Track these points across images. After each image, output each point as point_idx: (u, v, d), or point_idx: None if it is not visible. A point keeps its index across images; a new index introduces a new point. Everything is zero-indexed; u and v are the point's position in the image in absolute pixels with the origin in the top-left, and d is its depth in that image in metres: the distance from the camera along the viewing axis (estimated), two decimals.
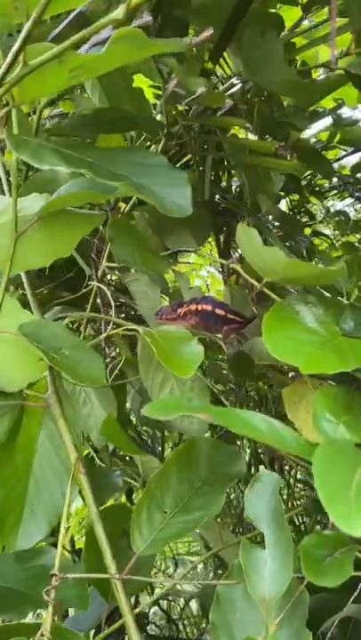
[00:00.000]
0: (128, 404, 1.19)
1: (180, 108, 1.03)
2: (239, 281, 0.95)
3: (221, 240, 1.27)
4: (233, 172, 1.21)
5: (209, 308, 0.78)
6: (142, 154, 0.55)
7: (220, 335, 0.79)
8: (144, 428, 1.53)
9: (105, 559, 0.61)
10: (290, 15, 1.00)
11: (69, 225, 0.67)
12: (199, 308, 0.78)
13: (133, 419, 1.35)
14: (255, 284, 0.74)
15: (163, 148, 0.98)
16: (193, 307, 0.79)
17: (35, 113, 0.98)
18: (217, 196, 1.24)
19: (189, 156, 1.21)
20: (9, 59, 0.45)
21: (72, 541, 1.38)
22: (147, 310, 1.02)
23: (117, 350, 1.03)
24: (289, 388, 0.66)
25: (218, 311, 0.78)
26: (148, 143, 1.08)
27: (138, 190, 0.49)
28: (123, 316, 1.63)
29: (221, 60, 1.08)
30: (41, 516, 0.75)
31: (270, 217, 1.03)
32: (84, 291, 1.21)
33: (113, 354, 0.94)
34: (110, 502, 1.00)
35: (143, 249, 0.79)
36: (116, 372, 0.86)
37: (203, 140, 0.99)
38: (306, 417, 0.64)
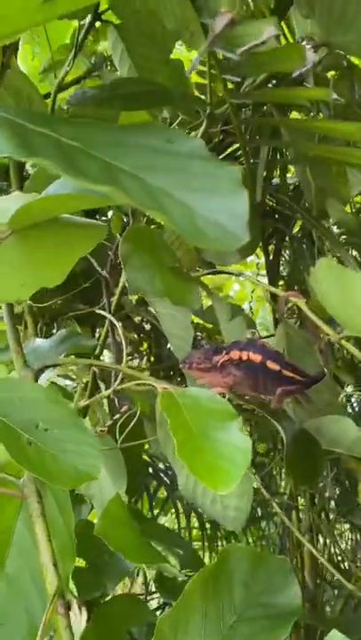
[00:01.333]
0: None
1: (230, 84, 0.80)
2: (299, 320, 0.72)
3: (270, 249, 1.03)
4: (289, 166, 0.97)
5: (258, 358, 0.55)
6: (167, 135, 0.33)
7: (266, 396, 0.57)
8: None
9: None
10: None
11: (60, 241, 0.46)
12: (244, 358, 0.56)
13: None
14: (328, 332, 0.51)
15: (203, 134, 0.76)
16: (235, 354, 0.56)
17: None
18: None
19: (235, 145, 0.98)
20: None
21: None
22: (175, 340, 0.80)
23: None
24: None
25: (270, 365, 0.55)
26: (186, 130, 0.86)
27: (149, 198, 0.27)
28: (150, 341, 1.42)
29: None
30: (11, 631, 0.55)
31: (335, 227, 0.80)
32: (101, 304, 1.00)
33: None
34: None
35: (167, 271, 0.56)
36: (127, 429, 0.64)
37: (256, 125, 0.76)
38: None
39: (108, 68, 1.12)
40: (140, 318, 1.36)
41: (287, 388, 0.54)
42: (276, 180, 1.05)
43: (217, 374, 0.56)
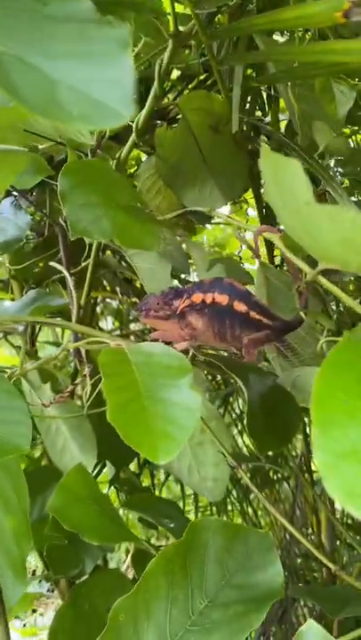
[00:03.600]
0: None
1: None
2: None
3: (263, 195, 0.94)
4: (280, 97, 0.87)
5: (225, 300, 0.47)
6: None
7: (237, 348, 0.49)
8: None
9: None
10: None
11: None
12: (208, 301, 0.47)
13: None
14: (304, 268, 0.42)
15: (170, 58, 0.66)
16: (197, 298, 0.48)
17: None
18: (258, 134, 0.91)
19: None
20: None
21: None
22: None
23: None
24: None
25: (237, 306, 0.46)
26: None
27: None
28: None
29: None
30: None
31: (332, 157, 0.70)
32: (83, 265, 0.92)
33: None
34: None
35: (119, 211, 0.48)
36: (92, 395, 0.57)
37: (230, 42, 0.66)
38: None
39: None
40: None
41: (254, 336, 0.46)
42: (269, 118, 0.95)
43: (176, 323, 0.48)
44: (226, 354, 0.53)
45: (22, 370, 0.48)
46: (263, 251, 0.87)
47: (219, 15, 0.69)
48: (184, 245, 0.82)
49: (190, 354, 0.48)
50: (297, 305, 0.45)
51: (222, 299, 0.47)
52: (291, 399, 0.42)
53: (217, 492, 0.52)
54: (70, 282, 0.51)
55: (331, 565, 0.44)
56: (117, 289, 1.46)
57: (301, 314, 0.46)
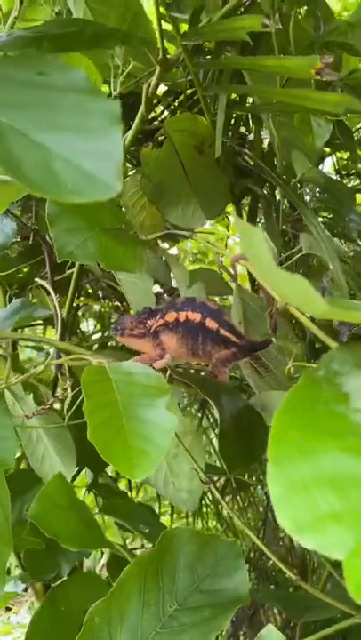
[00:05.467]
0: None
1: (183, 24, 0.73)
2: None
3: (243, 213, 0.97)
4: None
5: (197, 317, 0.50)
6: (40, 66, 0.27)
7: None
8: None
9: None
10: None
11: None
12: (182, 319, 0.51)
13: None
14: (275, 296, 0.46)
15: (157, 82, 0.69)
16: (171, 317, 0.51)
17: None
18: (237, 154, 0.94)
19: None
20: None
21: None
22: (137, 308, 0.75)
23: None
24: None
25: (209, 323, 0.50)
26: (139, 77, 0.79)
27: None
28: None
29: None
30: None
31: (307, 184, 0.73)
32: (67, 273, 0.95)
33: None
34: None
35: (105, 234, 0.51)
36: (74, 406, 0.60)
37: (216, 69, 0.69)
38: None
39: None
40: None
41: (222, 355, 0.49)
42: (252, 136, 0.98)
43: (150, 341, 0.51)
44: (201, 373, 0.56)
45: (7, 383, 0.51)
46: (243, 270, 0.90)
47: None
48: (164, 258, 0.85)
49: (168, 373, 0.51)
50: (267, 327, 0.49)
51: (195, 316, 0.50)
52: (260, 420, 0.46)
53: (191, 503, 0.55)
54: (54, 298, 0.54)
55: (292, 576, 0.47)
56: (99, 293, 1.48)
57: (272, 337, 0.49)
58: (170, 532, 0.49)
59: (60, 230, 0.48)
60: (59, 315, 0.52)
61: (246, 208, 1.01)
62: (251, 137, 0.99)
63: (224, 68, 0.66)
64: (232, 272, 0.56)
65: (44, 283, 0.59)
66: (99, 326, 1.63)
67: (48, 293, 1.08)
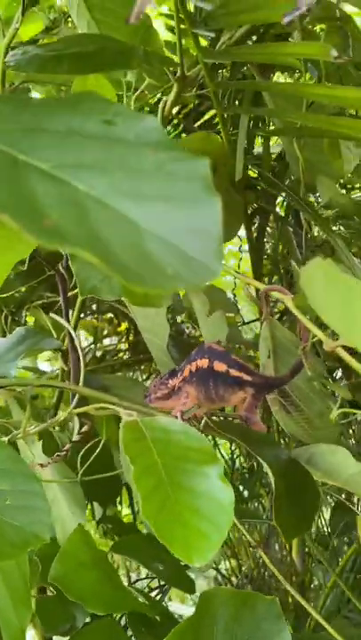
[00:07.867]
0: None
1: (204, 40, 0.69)
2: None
3: (253, 231, 0.94)
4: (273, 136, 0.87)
5: (205, 363, 0.48)
6: (107, 112, 0.23)
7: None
8: None
9: None
10: None
11: None
12: (193, 369, 0.48)
13: None
14: (323, 338, 0.43)
15: (174, 101, 0.65)
16: (187, 370, 0.49)
17: None
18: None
19: (212, 112, 0.87)
20: None
21: None
22: (148, 335, 0.72)
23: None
24: None
25: (217, 366, 0.47)
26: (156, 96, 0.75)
27: (73, 214, 0.18)
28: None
29: None
30: None
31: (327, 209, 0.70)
32: (71, 294, 0.90)
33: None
34: None
35: None
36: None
37: (236, 89, 0.65)
38: None
39: (69, 24, 0.99)
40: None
41: (240, 398, 0.47)
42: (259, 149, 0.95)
43: (177, 399, 0.48)
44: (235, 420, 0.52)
45: (25, 433, 0.46)
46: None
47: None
48: None
49: (203, 421, 0.48)
50: (302, 361, 0.46)
51: (203, 362, 0.48)
52: (308, 476, 0.42)
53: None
54: (74, 335, 0.50)
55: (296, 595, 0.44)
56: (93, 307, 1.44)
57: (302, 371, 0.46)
58: (208, 594, 0.45)
59: (81, 263, 0.44)
60: (81, 357, 0.47)
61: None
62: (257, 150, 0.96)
63: (257, 90, 0.63)
64: (262, 305, 0.53)
65: (57, 317, 0.54)
66: (91, 338, 1.59)
67: (45, 309, 1.04)
